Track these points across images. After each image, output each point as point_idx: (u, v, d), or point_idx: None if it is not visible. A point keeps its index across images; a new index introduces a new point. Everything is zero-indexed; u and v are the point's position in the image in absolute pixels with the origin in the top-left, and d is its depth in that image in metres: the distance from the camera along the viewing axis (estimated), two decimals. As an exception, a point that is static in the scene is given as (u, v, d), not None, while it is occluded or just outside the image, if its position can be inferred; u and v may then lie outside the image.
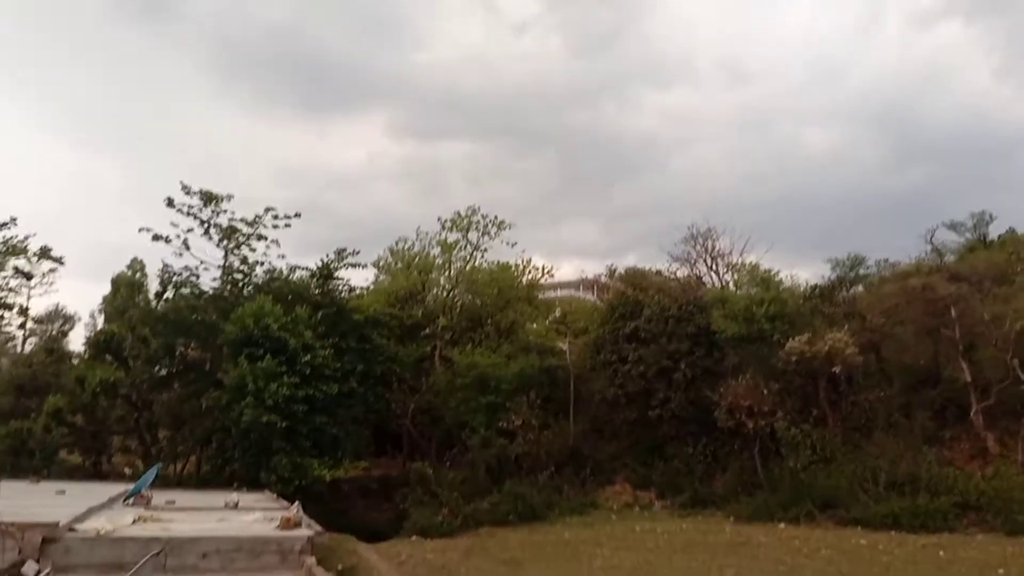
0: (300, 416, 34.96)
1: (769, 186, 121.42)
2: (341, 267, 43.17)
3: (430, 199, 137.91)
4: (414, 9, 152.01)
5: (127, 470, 37.46)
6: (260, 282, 42.24)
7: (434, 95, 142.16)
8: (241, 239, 42.32)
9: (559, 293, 66.45)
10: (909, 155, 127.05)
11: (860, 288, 45.47)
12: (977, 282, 41.94)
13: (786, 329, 38.41)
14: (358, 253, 43.66)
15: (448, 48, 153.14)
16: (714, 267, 50.22)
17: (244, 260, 42.64)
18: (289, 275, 43.02)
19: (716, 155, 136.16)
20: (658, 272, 51.32)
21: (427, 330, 47.45)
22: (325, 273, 42.92)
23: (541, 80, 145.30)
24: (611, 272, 66.23)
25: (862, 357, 36.99)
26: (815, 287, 44.67)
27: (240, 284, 42.50)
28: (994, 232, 58.35)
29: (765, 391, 36.53)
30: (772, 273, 43.63)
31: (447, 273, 50.09)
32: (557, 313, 55.69)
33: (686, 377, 39.44)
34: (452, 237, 49.24)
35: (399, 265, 51.12)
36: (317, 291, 42.37)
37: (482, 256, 49.76)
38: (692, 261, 50.61)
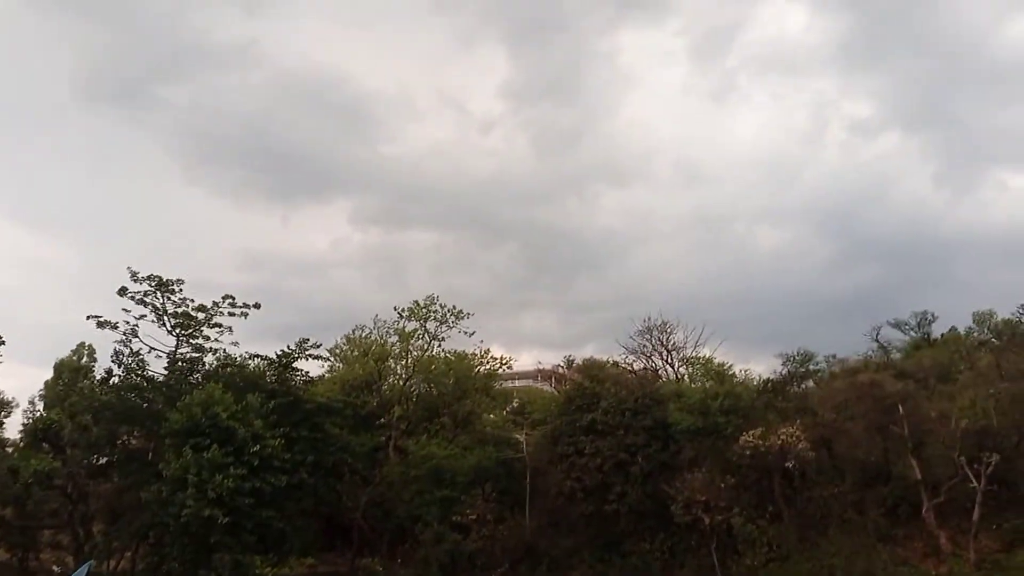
0: (245, 510, 33.61)
1: (724, 282, 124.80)
2: (301, 357, 42.70)
3: (392, 287, 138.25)
4: (385, 106, 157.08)
5: (56, 568, 35.27)
6: (212, 369, 41.36)
7: (401, 186, 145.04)
8: (194, 326, 41.69)
9: (517, 384, 66.29)
10: (856, 256, 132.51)
11: (811, 383, 46.45)
12: (923, 379, 43.29)
13: (740, 423, 38.77)
14: (319, 346, 43.50)
15: (417, 142, 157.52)
16: (670, 360, 50.93)
17: (198, 348, 41.92)
18: (244, 363, 42.28)
19: (674, 251, 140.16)
20: (615, 364, 51.77)
21: (382, 420, 46.64)
22: (284, 363, 42.32)
23: (507, 175, 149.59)
24: (569, 363, 66.58)
25: (814, 452, 37.38)
26: (768, 381, 45.53)
27: (190, 371, 41.54)
28: (937, 331, 60.80)
29: (721, 485, 36.51)
30: (726, 367, 44.50)
31: (404, 362, 49.79)
32: (515, 404, 55.41)
33: (643, 470, 39.19)
34: (410, 326, 49.29)
35: (355, 353, 50.71)
36: (273, 379, 41.60)
37: (440, 345, 49.72)
38: (648, 354, 51.28)
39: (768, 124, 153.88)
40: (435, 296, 49.34)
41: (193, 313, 41.57)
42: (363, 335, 51.02)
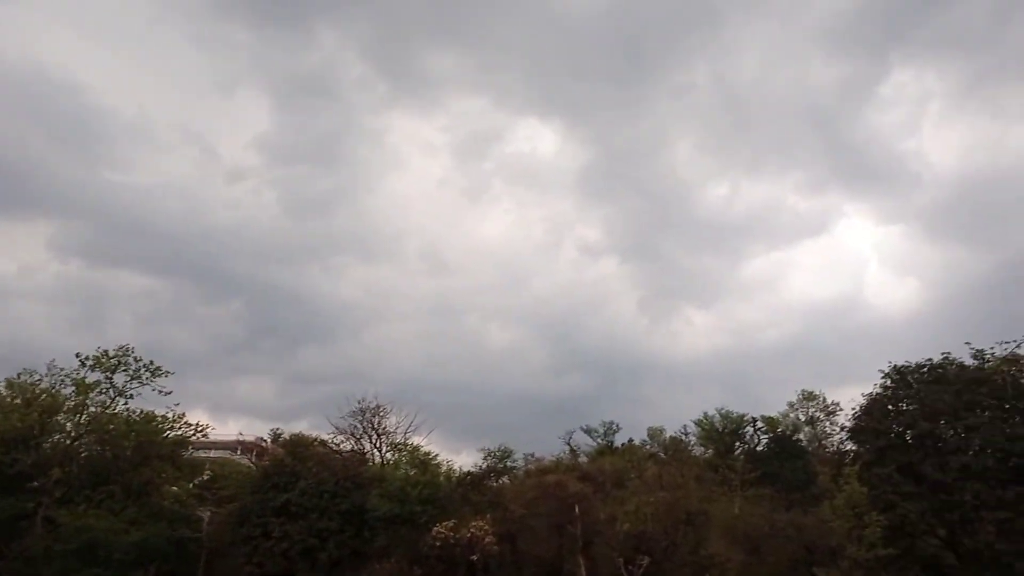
0: None
1: (452, 371, 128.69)
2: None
3: (86, 330, 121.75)
4: (119, 129, 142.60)
5: None
6: None
7: (119, 218, 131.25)
8: None
9: (213, 454, 60.80)
10: (569, 364, 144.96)
11: (506, 479, 48.85)
12: (602, 484, 47.80)
13: (436, 513, 39.35)
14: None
15: (150, 175, 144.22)
16: (379, 444, 50.50)
17: None
18: None
19: (409, 334, 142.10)
20: (323, 443, 50.02)
21: (35, 483, 39.66)
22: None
23: (247, 230, 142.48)
24: (275, 437, 62.91)
25: (499, 547, 38.90)
26: (468, 474, 46.99)
27: None
28: (620, 439, 68.01)
29: (408, 576, 36.31)
30: (431, 456, 45.17)
31: (78, 417, 43.14)
32: (205, 476, 50.64)
33: (332, 558, 37.80)
34: (92, 377, 43.04)
35: (17, 400, 42.94)
36: None
37: (126, 403, 43.87)
38: (359, 436, 50.40)
39: (511, 230, 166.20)
40: (130, 347, 43.91)
41: None
42: (31, 381, 43.49)
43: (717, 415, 63.81)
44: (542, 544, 43.61)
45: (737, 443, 62.36)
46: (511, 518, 41.93)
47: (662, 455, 59.56)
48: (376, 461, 49.14)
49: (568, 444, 60.20)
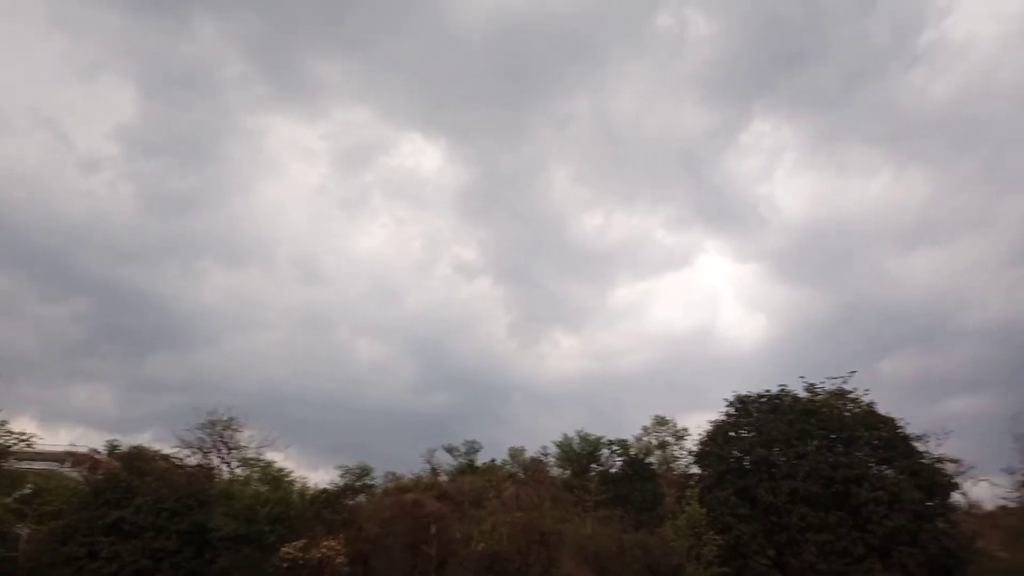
0: None
1: (316, 384, 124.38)
2: None
3: None
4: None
5: None
6: None
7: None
8: None
9: (38, 466, 55.34)
10: (437, 382, 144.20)
11: (363, 497, 47.75)
12: (460, 502, 47.76)
13: (285, 533, 37.77)
14: None
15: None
16: (229, 459, 47.89)
17: None
18: None
19: (273, 344, 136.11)
20: (165, 457, 46.81)
21: None
22: None
23: (100, 223, 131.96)
24: (112, 449, 58.26)
25: (351, 567, 37.88)
26: (323, 492, 45.50)
27: None
28: (481, 458, 68.30)
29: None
30: (285, 473, 43.40)
31: None
32: (27, 490, 46.07)
33: (166, 581, 35.31)
34: None
35: None
36: None
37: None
38: (207, 450, 47.56)
39: (388, 244, 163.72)
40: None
41: None
42: None
43: (576, 437, 65.64)
44: (396, 564, 42.90)
45: (593, 465, 64.32)
46: (366, 537, 40.97)
47: (521, 475, 60.36)
48: (225, 477, 46.58)
49: (429, 462, 59.72)
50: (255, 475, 44.05)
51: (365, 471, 48.01)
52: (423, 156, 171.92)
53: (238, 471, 47.28)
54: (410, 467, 56.14)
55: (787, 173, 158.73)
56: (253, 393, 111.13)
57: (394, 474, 55.73)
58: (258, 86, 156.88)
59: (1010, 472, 46.87)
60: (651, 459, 64.35)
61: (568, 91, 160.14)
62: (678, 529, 36.94)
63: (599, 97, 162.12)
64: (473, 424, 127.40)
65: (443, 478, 60.72)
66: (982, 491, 50.51)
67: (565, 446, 65.20)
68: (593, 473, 61.81)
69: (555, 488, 52.74)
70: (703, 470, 43.64)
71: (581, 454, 64.32)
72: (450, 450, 65.18)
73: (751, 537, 37.11)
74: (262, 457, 47.19)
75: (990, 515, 54.43)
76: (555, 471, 64.60)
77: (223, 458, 47.75)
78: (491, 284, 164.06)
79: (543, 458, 65.50)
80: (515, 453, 67.34)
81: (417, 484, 51.00)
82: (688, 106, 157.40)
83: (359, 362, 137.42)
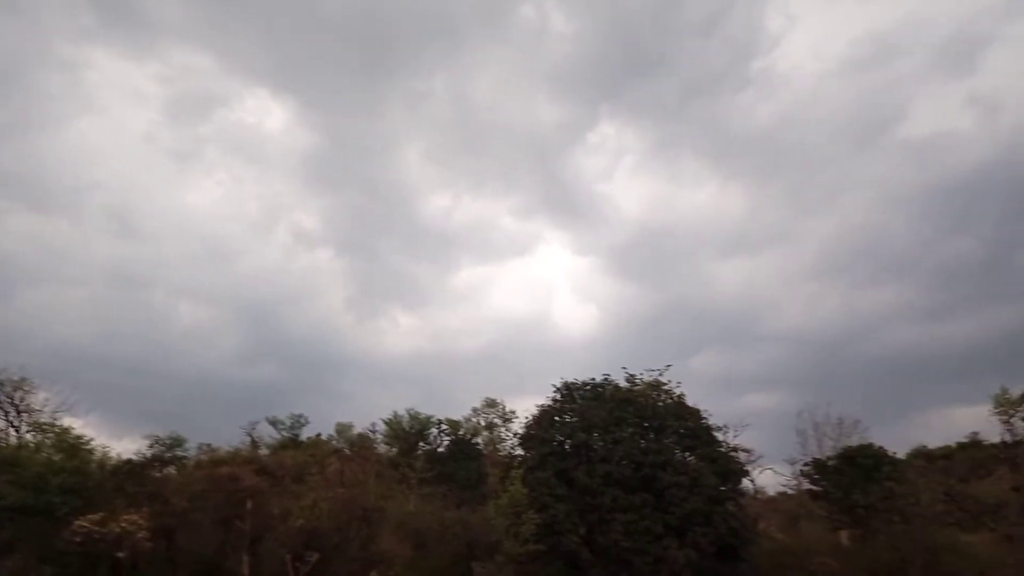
0: None
1: (127, 347, 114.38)
2: None
3: None
4: None
5: None
6: None
7: None
8: None
9: None
10: (265, 351, 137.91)
11: (173, 469, 44.96)
12: (281, 477, 46.16)
13: (80, 504, 34.76)
14: None
15: None
16: (17, 423, 43.23)
17: None
18: None
19: (78, 300, 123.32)
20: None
21: None
22: None
23: None
24: None
25: (153, 543, 35.62)
26: (127, 462, 42.30)
27: None
28: (307, 433, 66.56)
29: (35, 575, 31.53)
30: (83, 441, 39.86)
31: None
32: None
33: (-70, 556, 31.35)
34: None
35: None
36: None
37: None
38: (-8, 412, 42.67)
39: (222, 204, 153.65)
40: None
41: None
42: None
43: (406, 415, 65.71)
44: (206, 540, 40.92)
45: (421, 443, 64.73)
46: (172, 511, 38.66)
47: (347, 451, 59.48)
48: (13, 443, 42.05)
49: (250, 435, 57.27)
50: (48, 442, 40.11)
51: (177, 442, 45.12)
52: (268, 114, 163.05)
53: (28, 437, 42.87)
54: (229, 440, 53.47)
55: (627, 175, 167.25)
56: (51, 353, 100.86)
57: (209, 446, 52.88)
58: (83, 14, 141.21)
59: (791, 462, 52.92)
60: (478, 439, 65.82)
61: (427, 69, 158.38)
62: (500, 508, 38.04)
63: (457, 79, 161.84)
64: (303, 398, 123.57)
65: (264, 452, 58.51)
66: (767, 478, 56.67)
67: (394, 423, 65.10)
68: (420, 451, 62.21)
69: (381, 465, 52.48)
70: (527, 452, 45.21)
71: (410, 432, 64.51)
72: (274, 423, 63.05)
73: (566, 516, 39.00)
74: (57, 423, 43.11)
75: (772, 500, 61.14)
76: (382, 448, 64.36)
77: (11, 422, 43.10)
78: (331, 255, 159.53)
79: (371, 435, 65.03)
80: (342, 429, 66.34)
81: (235, 457, 48.63)
82: (543, 99, 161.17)
83: (178, 326, 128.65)
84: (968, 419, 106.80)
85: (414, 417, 65.36)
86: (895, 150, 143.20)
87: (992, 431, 46.17)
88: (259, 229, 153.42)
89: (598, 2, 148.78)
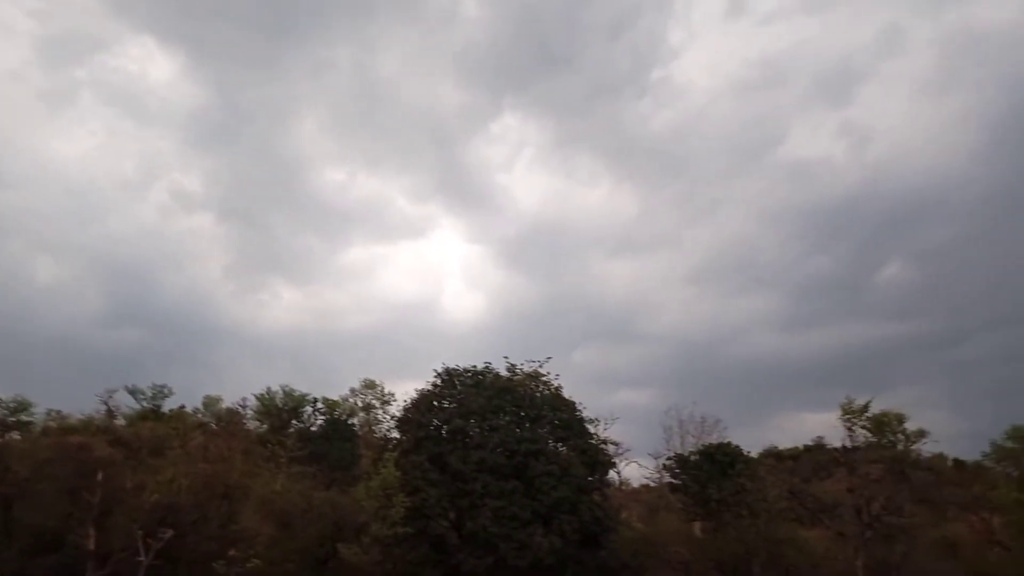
0: None
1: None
2: None
3: None
4: None
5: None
6: None
7: None
8: None
9: None
10: (129, 316, 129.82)
11: (17, 435, 41.61)
12: (137, 449, 43.68)
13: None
14: None
15: None
16: None
17: None
18: None
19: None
20: None
21: None
22: None
23: None
24: None
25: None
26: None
27: None
28: (170, 405, 63.23)
29: None
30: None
31: None
32: None
33: None
34: None
35: None
36: None
37: None
38: None
39: (94, 155, 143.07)
40: None
41: None
42: None
43: (280, 391, 63.69)
44: (49, 511, 38.10)
45: (294, 421, 62.98)
46: (13, 480, 35.82)
47: (214, 425, 57.03)
48: None
49: (106, 404, 53.73)
50: None
51: (22, 406, 41.75)
52: (153, 64, 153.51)
53: None
54: (83, 408, 49.91)
55: (526, 168, 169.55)
56: None
57: (59, 412, 49.26)
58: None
59: (655, 456, 55.49)
60: (354, 420, 64.78)
61: (332, 38, 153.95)
62: (370, 490, 37.68)
63: (362, 52, 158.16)
64: (171, 368, 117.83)
65: (121, 422, 55.14)
66: (632, 471, 59.16)
67: (267, 399, 62.98)
68: (292, 429, 60.52)
69: (249, 441, 50.66)
70: (403, 435, 45.00)
71: (283, 409, 62.62)
72: (134, 392, 59.50)
73: (437, 500, 39.14)
74: None
75: (635, 492, 63.94)
76: (253, 424, 62.12)
77: None
78: (213, 221, 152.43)
79: (241, 410, 62.60)
80: (210, 402, 63.54)
81: (87, 426, 45.67)
82: (449, 83, 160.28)
83: (33, 283, 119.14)
84: (817, 424, 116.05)
85: (288, 394, 63.44)
86: (773, 170, 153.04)
87: (836, 436, 50.12)
88: (134, 186, 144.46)
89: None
